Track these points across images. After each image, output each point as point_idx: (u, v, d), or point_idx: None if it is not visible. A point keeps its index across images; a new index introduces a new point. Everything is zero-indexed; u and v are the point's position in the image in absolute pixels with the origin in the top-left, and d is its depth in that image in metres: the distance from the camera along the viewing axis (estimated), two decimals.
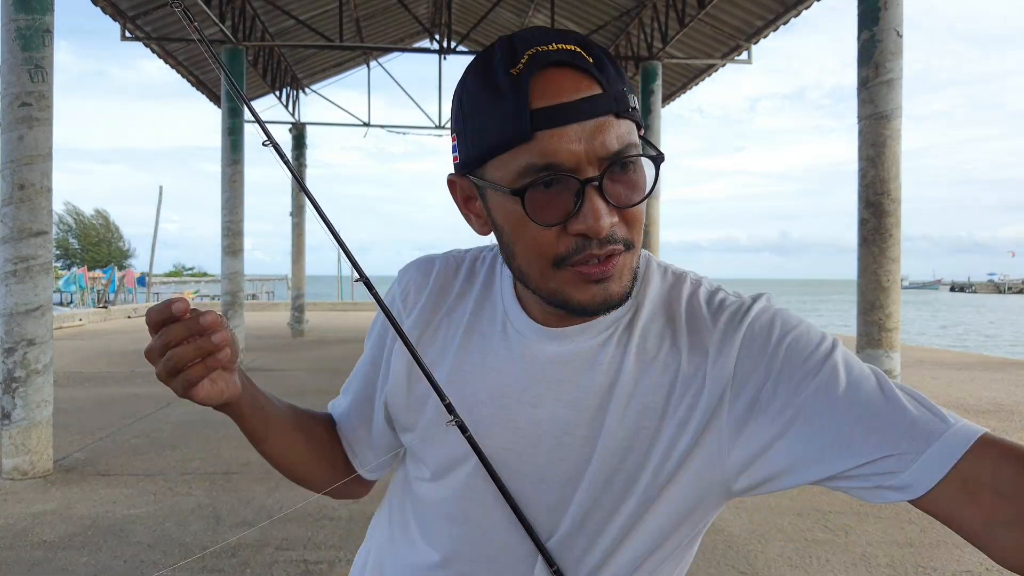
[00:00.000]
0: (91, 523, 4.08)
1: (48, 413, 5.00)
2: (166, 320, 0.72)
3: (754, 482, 0.78)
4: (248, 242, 10.87)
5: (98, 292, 27.41)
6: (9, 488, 4.70)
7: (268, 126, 0.81)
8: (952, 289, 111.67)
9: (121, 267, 41.06)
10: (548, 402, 0.81)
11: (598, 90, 0.71)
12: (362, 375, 0.97)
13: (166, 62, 12.36)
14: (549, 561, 0.81)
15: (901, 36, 5.43)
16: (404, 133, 16.54)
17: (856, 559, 3.66)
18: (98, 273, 30.95)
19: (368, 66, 16.02)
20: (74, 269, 36.13)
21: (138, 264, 52.47)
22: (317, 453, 0.97)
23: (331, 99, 16.55)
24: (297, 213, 16.15)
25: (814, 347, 0.76)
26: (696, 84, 13.77)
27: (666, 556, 0.84)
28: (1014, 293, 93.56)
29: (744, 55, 11.60)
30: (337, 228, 0.80)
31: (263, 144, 0.76)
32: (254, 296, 32.52)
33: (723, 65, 12.39)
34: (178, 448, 5.73)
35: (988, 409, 7.44)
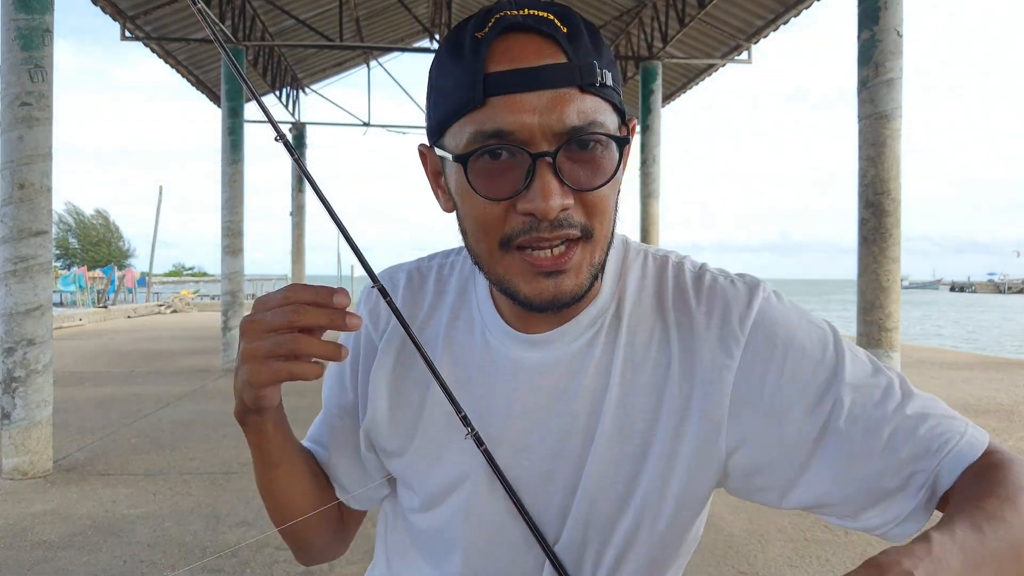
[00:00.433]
0: (91, 523, 4.08)
1: (48, 413, 5.00)
2: (313, 303, 0.65)
3: (749, 492, 0.77)
4: (248, 242, 10.87)
5: (98, 292, 27.41)
6: (9, 488, 4.70)
7: (267, 126, 0.80)
8: (952, 289, 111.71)
9: (121, 267, 41.05)
10: (538, 413, 0.77)
11: (562, 59, 0.64)
12: (330, 429, 0.89)
13: (166, 62, 12.35)
14: (561, 571, 0.75)
15: (901, 36, 5.43)
16: (404, 133, 16.54)
17: (856, 559, 3.66)
18: (98, 273, 30.94)
19: (368, 66, 16.03)
20: (74, 269, 36.13)
21: (138, 264, 52.50)
22: (319, 486, 0.89)
23: (331, 99, 16.57)
24: (297, 213, 16.15)
25: (818, 362, 0.72)
26: (696, 84, 13.77)
27: (672, 557, 0.82)
28: (1014, 293, 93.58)
29: (744, 55, 11.60)
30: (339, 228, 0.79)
31: (275, 140, 0.72)
32: (254, 296, 32.52)
33: (723, 65, 12.39)
34: (178, 448, 5.73)
35: (988, 409, 7.44)
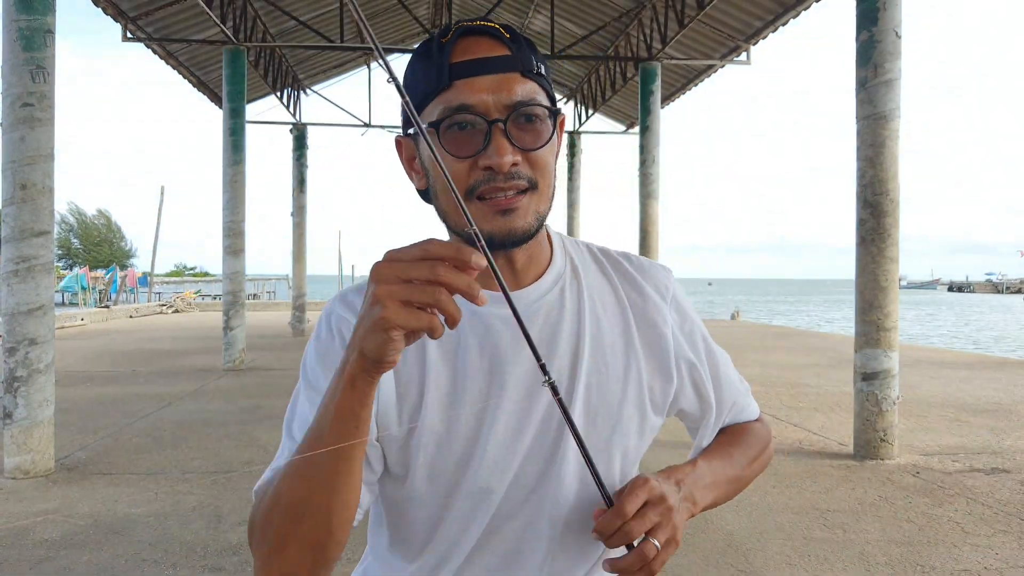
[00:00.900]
0: (92, 522, 4.10)
1: (50, 412, 5.02)
2: (454, 260, 0.66)
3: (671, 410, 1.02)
4: (249, 242, 10.89)
5: (100, 292, 27.44)
6: (11, 487, 4.72)
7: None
8: (950, 289, 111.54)
9: (123, 267, 41.09)
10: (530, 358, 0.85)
11: (508, 53, 0.85)
12: None
13: (167, 63, 12.36)
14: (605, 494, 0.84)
15: (900, 37, 5.44)
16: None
17: (854, 557, 3.68)
18: (100, 273, 30.97)
19: (368, 66, 16.04)
20: (76, 269, 36.15)
21: (140, 264, 52.52)
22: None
23: (331, 99, 16.57)
24: (298, 213, 16.16)
25: (700, 328, 1.03)
26: (695, 85, 13.78)
27: (636, 462, 1.01)
28: (1011, 293, 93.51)
29: (743, 56, 11.61)
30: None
31: (387, 82, 0.74)
32: (255, 296, 32.55)
33: (722, 66, 12.40)
34: (179, 447, 5.75)
35: (987, 408, 7.45)
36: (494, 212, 0.84)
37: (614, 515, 0.81)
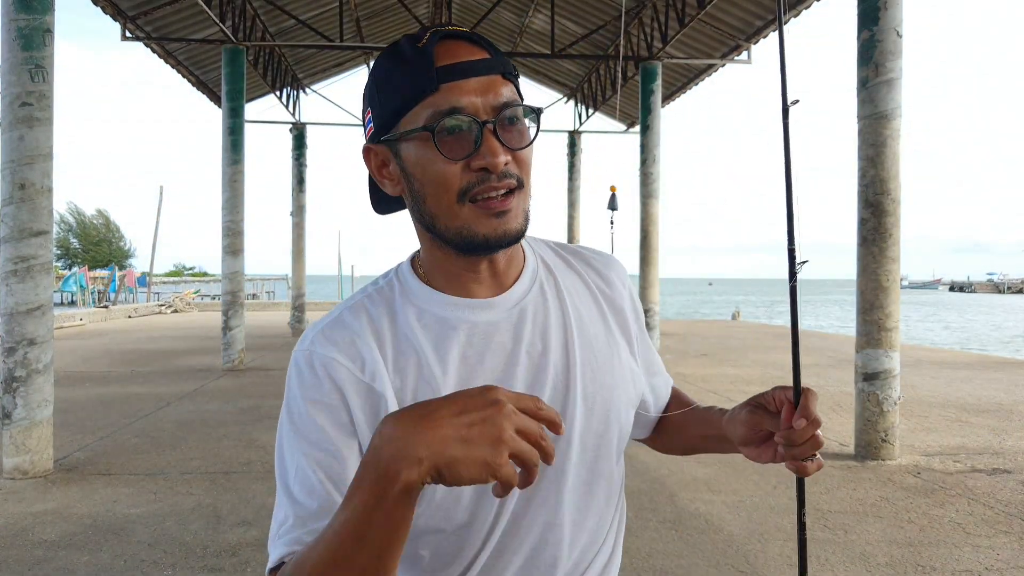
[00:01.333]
0: (91, 522, 4.09)
1: (48, 413, 5.01)
2: (551, 423, 0.68)
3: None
4: (248, 241, 10.88)
5: (99, 292, 27.43)
6: (10, 487, 4.70)
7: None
8: (952, 289, 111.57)
9: (122, 267, 41.08)
10: (531, 370, 0.91)
11: (487, 56, 0.86)
12: (337, 482, 0.82)
13: (166, 62, 12.36)
14: None
15: (901, 36, 5.43)
16: None
17: (855, 558, 3.67)
18: (99, 273, 30.96)
19: (368, 66, 16.03)
20: (75, 269, 36.15)
21: (139, 264, 52.49)
22: None
23: (331, 99, 16.56)
24: (297, 213, 16.15)
25: (640, 313, 1.08)
26: (696, 84, 13.78)
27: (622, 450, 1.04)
28: (1013, 293, 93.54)
29: (744, 55, 11.61)
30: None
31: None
32: (254, 296, 32.55)
33: (723, 65, 12.39)
34: (178, 447, 5.74)
35: (988, 408, 7.45)
36: (488, 215, 0.85)
37: (813, 425, 0.88)
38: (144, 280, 29.70)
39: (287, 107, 15.96)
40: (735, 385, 8.72)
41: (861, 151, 5.56)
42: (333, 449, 0.83)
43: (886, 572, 3.51)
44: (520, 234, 0.87)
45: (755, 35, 11.04)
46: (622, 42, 10.44)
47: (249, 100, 12.89)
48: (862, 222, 5.55)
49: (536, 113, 0.89)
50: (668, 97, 14.11)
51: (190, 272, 68.30)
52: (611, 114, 17.01)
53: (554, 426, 0.68)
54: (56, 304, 14.24)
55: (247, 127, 10.96)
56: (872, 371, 5.44)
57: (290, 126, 16.26)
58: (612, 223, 12.88)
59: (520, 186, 0.87)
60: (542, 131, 0.91)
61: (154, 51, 11.75)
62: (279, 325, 17.15)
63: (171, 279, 46.83)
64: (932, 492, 4.69)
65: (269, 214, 43.85)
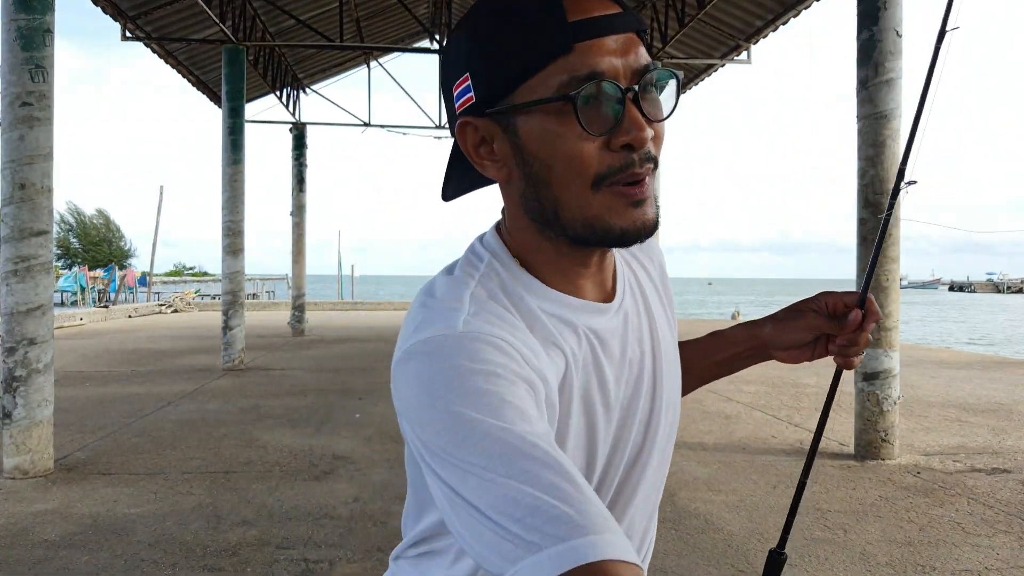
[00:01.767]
0: (92, 522, 4.09)
1: (49, 412, 5.01)
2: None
3: None
4: (248, 241, 10.88)
5: (99, 292, 27.43)
6: (10, 487, 4.71)
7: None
8: (951, 289, 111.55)
9: (122, 267, 41.08)
10: (633, 364, 0.84)
11: (620, 10, 0.71)
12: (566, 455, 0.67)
13: (166, 62, 12.36)
14: None
15: (900, 36, 5.43)
16: (404, 133, 16.54)
17: (855, 558, 3.67)
18: (99, 272, 30.97)
19: (368, 66, 16.03)
20: (75, 268, 36.15)
21: (139, 264, 52.50)
22: None
23: (331, 99, 16.56)
24: (297, 212, 16.15)
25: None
26: (696, 84, 13.78)
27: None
28: (1012, 292, 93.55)
29: (744, 55, 11.61)
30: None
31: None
32: (255, 295, 32.55)
33: (723, 65, 12.40)
34: (178, 447, 5.74)
35: (988, 408, 7.45)
36: (626, 204, 0.72)
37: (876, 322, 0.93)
38: (144, 280, 29.71)
39: (287, 107, 15.96)
40: (735, 384, 8.72)
41: (861, 151, 5.57)
42: (544, 425, 0.65)
43: (886, 571, 3.51)
44: (657, 226, 0.75)
45: (755, 35, 11.04)
46: None
47: (249, 100, 12.88)
48: (862, 222, 5.56)
49: (676, 78, 0.74)
50: None
51: (190, 272, 68.31)
52: None
53: None
54: (56, 304, 14.22)
55: (247, 127, 10.96)
56: (872, 371, 5.45)
57: (290, 126, 16.26)
58: None
59: (655, 167, 0.74)
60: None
61: (154, 51, 11.75)
62: (279, 325, 17.15)
63: (171, 279, 46.84)
64: (932, 492, 4.69)
65: (269, 214, 43.87)
